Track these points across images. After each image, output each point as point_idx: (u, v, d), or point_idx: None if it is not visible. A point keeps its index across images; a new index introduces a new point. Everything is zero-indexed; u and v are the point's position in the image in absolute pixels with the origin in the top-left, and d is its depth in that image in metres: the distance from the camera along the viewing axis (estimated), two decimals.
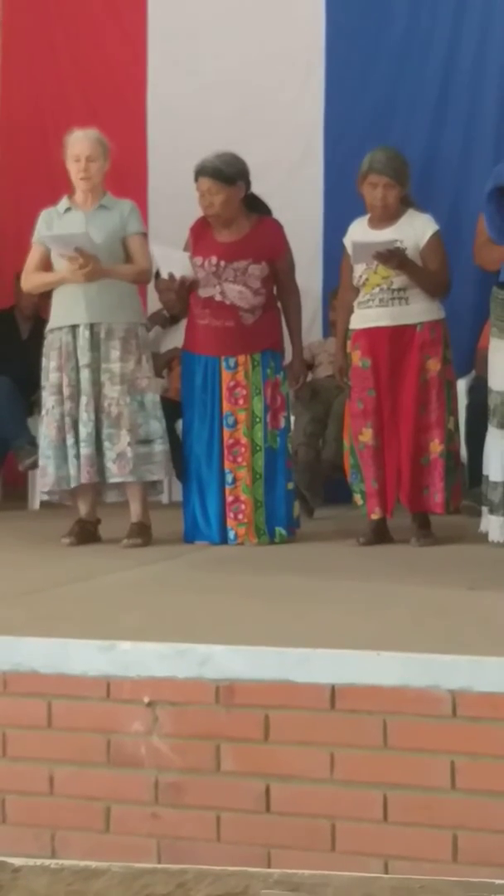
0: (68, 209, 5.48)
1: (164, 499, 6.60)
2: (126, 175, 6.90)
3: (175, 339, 5.86)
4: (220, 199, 5.41)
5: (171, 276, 5.46)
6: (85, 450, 5.31)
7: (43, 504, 6.45)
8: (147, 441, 5.39)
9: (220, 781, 3.21)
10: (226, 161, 5.42)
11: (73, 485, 5.39)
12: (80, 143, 5.41)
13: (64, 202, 5.52)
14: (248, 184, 5.49)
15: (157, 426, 5.43)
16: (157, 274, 5.74)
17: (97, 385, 5.36)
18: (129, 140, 7.19)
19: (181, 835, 3.23)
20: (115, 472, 5.34)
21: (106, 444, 5.34)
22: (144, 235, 5.57)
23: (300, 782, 3.16)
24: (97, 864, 3.20)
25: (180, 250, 5.46)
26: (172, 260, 5.45)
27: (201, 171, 5.42)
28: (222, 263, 5.42)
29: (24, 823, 3.35)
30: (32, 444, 6.22)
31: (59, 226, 5.42)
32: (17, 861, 3.25)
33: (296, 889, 3.03)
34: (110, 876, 3.15)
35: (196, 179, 5.44)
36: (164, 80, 7.48)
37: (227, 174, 5.41)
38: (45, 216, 5.49)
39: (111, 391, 5.35)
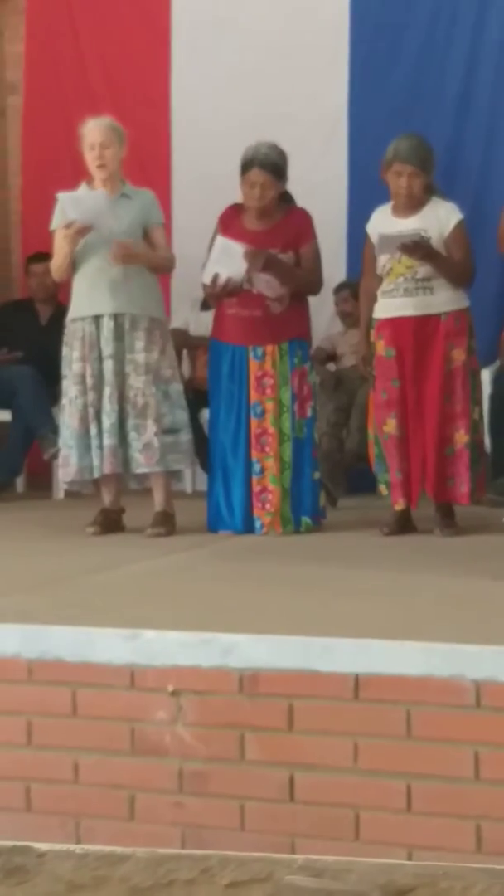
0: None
1: (188, 488, 6.62)
2: (150, 164, 6.92)
3: (208, 324, 5.82)
4: (272, 193, 5.40)
5: (216, 277, 5.40)
6: (108, 440, 5.31)
7: (67, 493, 6.47)
8: (173, 431, 5.39)
9: (244, 770, 3.22)
10: (279, 154, 5.40)
11: (95, 475, 5.40)
12: (93, 132, 5.41)
13: (83, 188, 5.51)
14: (287, 180, 5.47)
15: (182, 416, 5.43)
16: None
17: (121, 376, 5.36)
18: (153, 129, 7.21)
19: (205, 823, 3.24)
20: (142, 462, 5.35)
21: (132, 434, 5.34)
22: (163, 226, 5.57)
23: (324, 771, 3.17)
24: (122, 850, 3.21)
25: (239, 254, 5.38)
26: (228, 258, 5.38)
27: (256, 162, 5.37)
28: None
29: (49, 811, 3.36)
30: (56, 433, 6.23)
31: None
32: (42, 846, 3.26)
33: (319, 875, 3.03)
34: (135, 861, 3.16)
35: (248, 169, 5.39)
36: (187, 69, 7.47)
37: (281, 168, 5.39)
38: (59, 201, 5.45)
39: (136, 381, 5.35)
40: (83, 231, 5.28)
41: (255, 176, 5.38)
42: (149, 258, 5.40)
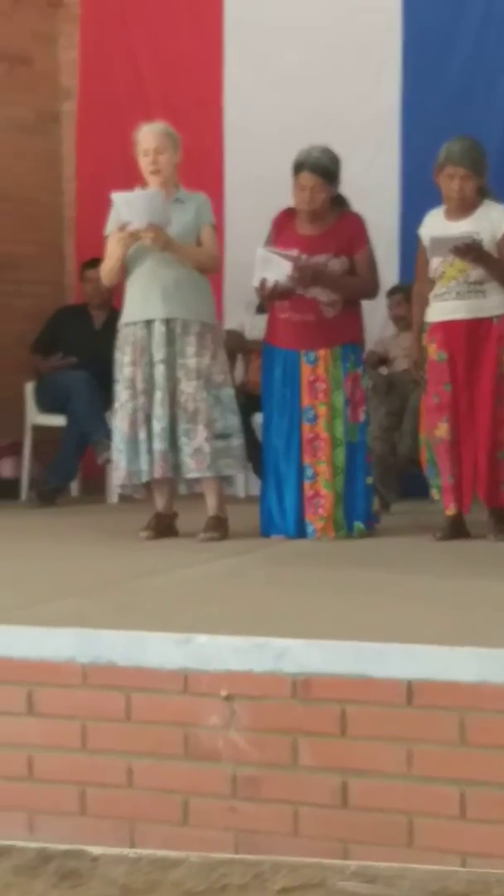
0: None
1: (240, 493, 6.63)
2: (202, 167, 6.92)
3: (262, 328, 5.82)
4: (323, 196, 5.40)
5: (264, 282, 5.40)
6: (158, 445, 5.33)
7: (121, 498, 6.50)
8: (224, 435, 5.40)
9: (297, 776, 3.22)
10: (330, 157, 5.40)
11: (144, 479, 5.41)
12: (147, 137, 5.42)
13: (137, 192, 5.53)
14: (339, 183, 5.47)
15: (234, 420, 5.44)
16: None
17: (172, 380, 5.37)
18: (204, 132, 7.23)
19: (258, 828, 3.24)
20: (193, 468, 5.36)
21: (182, 439, 5.36)
22: (214, 227, 5.56)
23: (377, 777, 3.16)
24: (175, 854, 3.22)
25: (285, 259, 5.38)
26: (271, 265, 5.39)
27: (307, 165, 5.37)
28: (303, 257, 5.41)
29: (103, 815, 3.38)
30: (110, 438, 6.27)
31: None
32: (95, 850, 3.28)
33: (372, 881, 3.03)
34: (188, 866, 3.17)
35: (299, 172, 5.39)
36: (240, 74, 7.49)
37: (333, 171, 5.39)
38: (113, 202, 5.44)
39: (187, 386, 5.36)
40: (136, 235, 5.30)
41: (305, 179, 5.38)
42: (188, 251, 5.39)
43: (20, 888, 3.18)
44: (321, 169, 5.38)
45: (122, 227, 5.32)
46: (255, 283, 5.41)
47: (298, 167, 5.40)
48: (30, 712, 3.44)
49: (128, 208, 5.32)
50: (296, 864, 3.08)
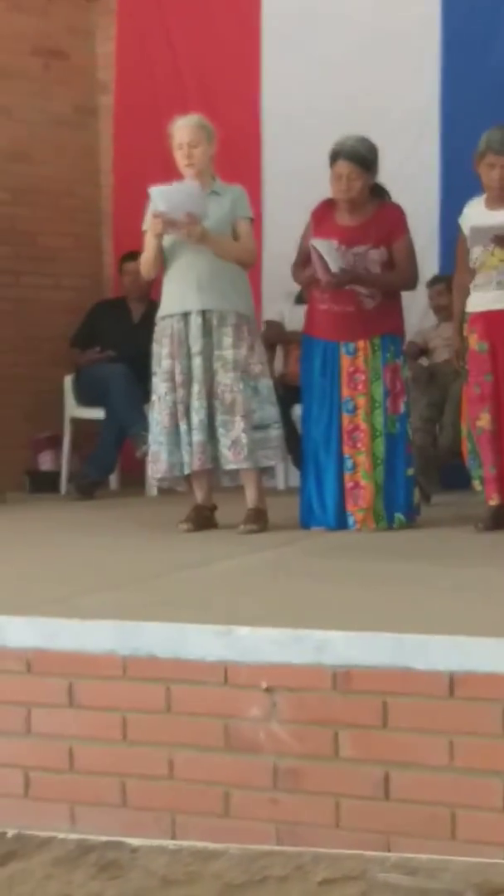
0: None
1: (280, 484, 6.62)
2: (240, 158, 6.92)
3: (301, 319, 5.81)
4: (359, 184, 5.38)
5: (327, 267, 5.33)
6: (197, 437, 5.33)
7: (160, 490, 6.50)
8: (262, 427, 5.39)
9: (338, 768, 3.21)
10: (366, 146, 5.38)
11: (185, 471, 5.41)
12: (181, 131, 5.41)
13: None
14: (377, 171, 5.44)
15: (272, 411, 5.42)
16: None
17: (209, 372, 5.37)
18: (243, 123, 7.22)
19: (300, 820, 3.23)
20: (231, 459, 5.35)
21: (220, 430, 5.35)
22: (251, 221, 5.55)
23: (419, 769, 3.14)
24: (215, 846, 3.22)
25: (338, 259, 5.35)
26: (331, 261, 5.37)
27: (342, 154, 5.36)
28: (343, 248, 5.39)
29: (144, 807, 3.38)
30: (148, 431, 6.27)
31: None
32: (135, 841, 3.28)
33: (413, 873, 3.01)
34: (228, 857, 3.16)
35: (335, 161, 5.38)
36: (278, 64, 7.46)
37: (368, 160, 5.37)
38: (150, 196, 5.45)
39: (225, 378, 5.36)
40: (170, 224, 5.29)
41: (341, 167, 5.37)
42: (223, 245, 5.38)
43: (60, 879, 3.19)
44: (357, 157, 5.36)
45: (157, 216, 5.30)
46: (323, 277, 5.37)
47: (334, 156, 5.39)
48: (70, 704, 3.44)
49: (164, 201, 5.32)
50: (336, 855, 3.06)
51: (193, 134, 5.40)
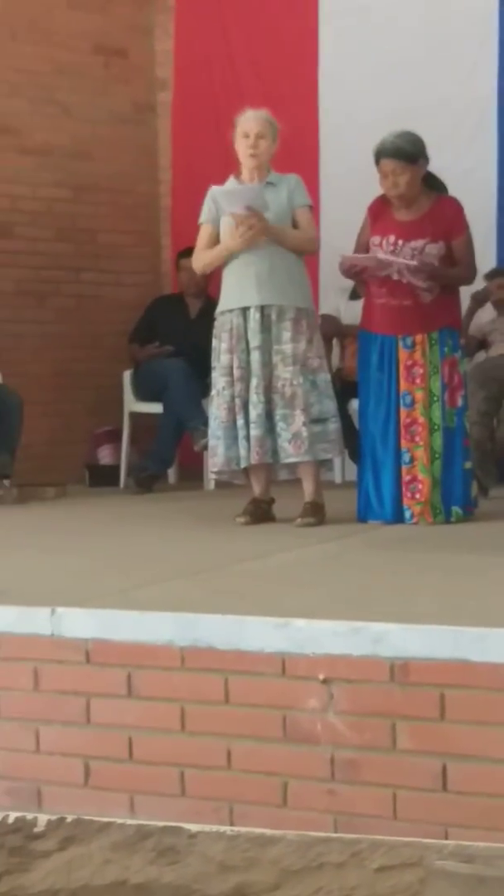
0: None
1: (337, 478, 6.62)
2: (298, 154, 6.91)
3: (356, 313, 5.81)
4: (405, 179, 5.37)
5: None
6: (255, 431, 5.35)
7: (217, 484, 6.53)
8: (320, 420, 5.40)
9: (396, 759, 3.21)
10: (407, 139, 5.37)
11: (242, 465, 5.44)
12: (250, 122, 5.44)
13: (231, 182, 5.54)
14: (427, 160, 5.44)
15: (330, 405, 5.44)
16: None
17: (268, 367, 5.39)
18: (300, 119, 7.21)
19: (357, 811, 3.24)
20: (291, 452, 5.37)
21: (280, 424, 5.37)
22: (310, 208, 5.57)
23: (478, 762, 3.14)
24: (272, 832, 3.23)
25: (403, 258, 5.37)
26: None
27: (383, 152, 5.37)
28: (400, 242, 5.39)
29: (202, 797, 3.40)
30: (207, 425, 6.30)
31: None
32: (193, 827, 3.30)
33: (470, 861, 3.00)
34: (285, 844, 3.17)
35: (378, 161, 5.39)
36: (335, 61, 7.47)
37: (410, 153, 5.36)
38: (211, 195, 5.52)
39: (284, 372, 5.37)
40: (241, 222, 5.30)
41: (386, 165, 5.37)
42: (284, 234, 5.39)
43: (118, 864, 3.22)
44: (399, 152, 5.36)
45: (238, 218, 5.31)
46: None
47: (377, 156, 5.40)
48: (129, 695, 3.47)
49: (229, 202, 5.35)
50: (394, 843, 3.06)
51: (261, 126, 5.43)
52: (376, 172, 5.50)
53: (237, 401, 5.41)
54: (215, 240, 5.52)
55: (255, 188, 5.34)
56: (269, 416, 5.37)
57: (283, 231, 5.39)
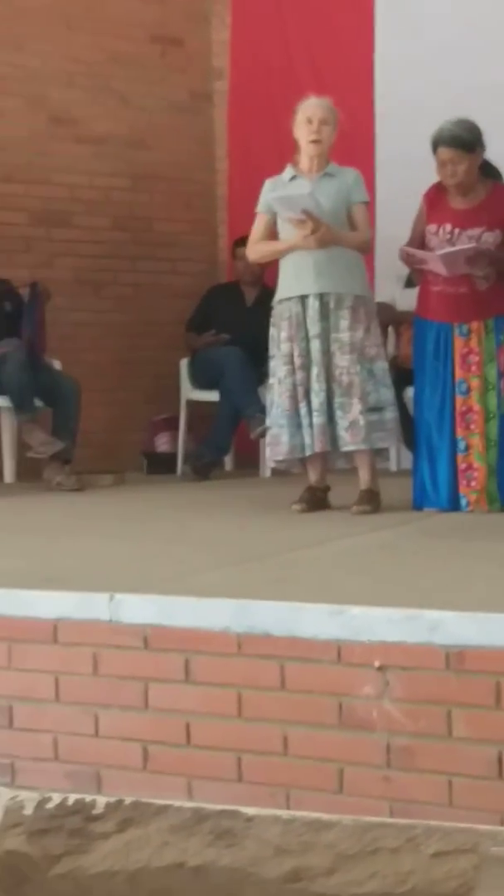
0: (294, 177, 5.52)
1: (393, 466, 6.62)
2: (354, 143, 6.88)
3: (412, 301, 5.81)
4: (463, 167, 5.36)
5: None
6: (318, 419, 5.37)
7: (273, 471, 6.55)
8: (377, 409, 5.41)
9: (451, 746, 3.22)
10: (464, 127, 5.35)
11: (307, 453, 5.45)
12: (313, 108, 5.44)
13: (289, 170, 5.55)
14: (483, 148, 5.42)
15: (387, 393, 5.44)
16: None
17: (327, 355, 5.40)
18: (356, 107, 7.18)
19: (413, 798, 3.25)
20: (348, 441, 5.38)
21: (338, 412, 5.38)
22: (367, 204, 5.57)
23: None
24: (328, 817, 3.25)
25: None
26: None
27: (441, 141, 5.35)
28: (457, 231, 5.39)
29: (259, 782, 3.42)
30: (263, 412, 6.32)
31: (285, 191, 5.47)
32: (250, 810, 3.33)
33: None
34: (341, 828, 3.19)
35: (435, 149, 5.37)
36: (391, 46, 7.45)
37: (468, 141, 5.34)
38: (269, 185, 5.53)
39: (341, 360, 5.39)
40: (298, 225, 5.32)
41: (443, 154, 5.35)
42: (345, 238, 5.40)
43: (176, 846, 3.25)
44: (457, 141, 5.33)
45: (294, 221, 5.33)
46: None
47: (434, 145, 5.38)
48: (187, 680, 3.50)
49: (286, 207, 5.36)
50: (449, 828, 3.08)
51: (325, 112, 5.44)
52: (432, 160, 5.50)
53: (299, 389, 5.42)
54: (271, 229, 5.53)
55: (306, 196, 5.32)
56: (329, 404, 5.39)
57: (338, 237, 5.37)
